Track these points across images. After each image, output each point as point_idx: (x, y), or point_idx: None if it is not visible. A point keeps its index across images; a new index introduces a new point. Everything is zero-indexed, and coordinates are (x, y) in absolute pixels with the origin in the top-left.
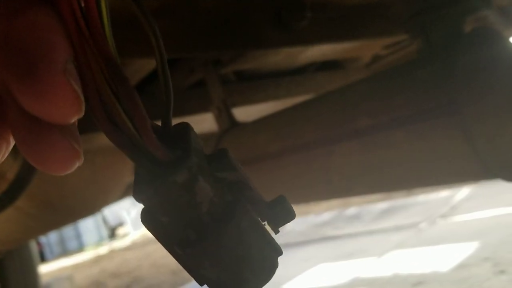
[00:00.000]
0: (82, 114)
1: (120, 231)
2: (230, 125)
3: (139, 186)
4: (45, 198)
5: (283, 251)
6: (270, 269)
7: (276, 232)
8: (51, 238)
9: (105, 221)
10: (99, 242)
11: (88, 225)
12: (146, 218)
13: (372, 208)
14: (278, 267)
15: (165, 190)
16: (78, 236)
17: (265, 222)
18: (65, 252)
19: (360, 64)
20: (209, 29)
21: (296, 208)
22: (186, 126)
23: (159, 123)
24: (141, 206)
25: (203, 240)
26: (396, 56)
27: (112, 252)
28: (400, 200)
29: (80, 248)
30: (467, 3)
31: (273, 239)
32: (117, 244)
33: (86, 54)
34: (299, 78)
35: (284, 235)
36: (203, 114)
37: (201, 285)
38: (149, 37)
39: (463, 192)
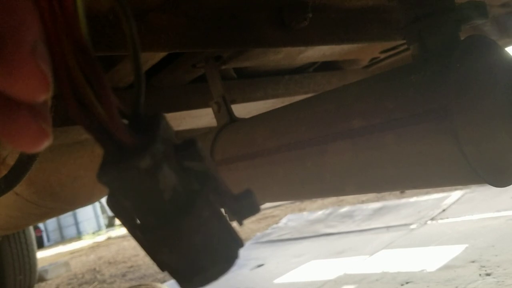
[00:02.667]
0: (49, 93)
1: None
2: (228, 121)
3: (103, 169)
4: (44, 185)
5: (276, 245)
6: (229, 259)
7: (241, 224)
8: (49, 225)
9: (103, 210)
10: (97, 231)
11: (87, 214)
12: (111, 201)
13: (365, 208)
14: (267, 263)
15: (127, 175)
16: (77, 224)
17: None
18: (63, 239)
19: (358, 66)
20: (211, 26)
21: (291, 205)
22: (158, 115)
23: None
24: None
25: (163, 227)
26: (393, 60)
27: (109, 241)
28: (392, 201)
29: (78, 236)
30: (463, 12)
31: (234, 230)
32: (115, 233)
33: (58, 36)
34: (298, 78)
35: (277, 231)
36: (204, 109)
37: (162, 270)
38: (125, 27)
39: (454, 196)
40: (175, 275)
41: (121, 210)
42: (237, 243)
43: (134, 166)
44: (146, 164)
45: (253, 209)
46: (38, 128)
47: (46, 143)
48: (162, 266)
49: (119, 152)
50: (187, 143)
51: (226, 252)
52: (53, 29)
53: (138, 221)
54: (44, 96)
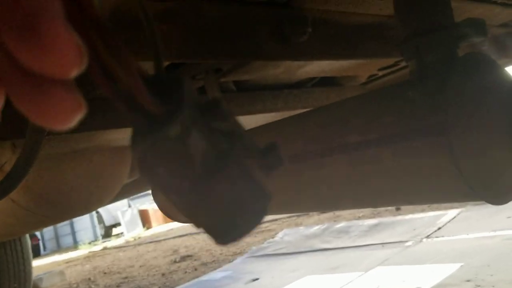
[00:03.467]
0: (84, 67)
1: (115, 231)
2: None
3: (135, 140)
4: (41, 193)
5: (272, 259)
6: (259, 214)
7: (268, 177)
8: (46, 234)
9: (100, 220)
10: (93, 241)
11: (84, 223)
12: (144, 169)
13: (360, 224)
14: (262, 278)
15: (158, 144)
16: (73, 233)
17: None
18: (59, 248)
19: (356, 83)
20: (210, 37)
21: (287, 220)
22: (180, 78)
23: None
24: (134, 208)
25: (196, 189)
26: (391, 78)
27: (105, 251)
28: (388, 218)
29: (75, 245)
30: (462, 29)
31: (262, 185)
32: (111, 243)
33: (78, 8)
34: (297, 92)
35: (273, 245)
36: None
37: (198, 228)
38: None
39: (450, 214)
40: (209, 232)
41: (154, 177)
42: (265, 197)
43: (164, 134)
44: (176, 131)
45: (279, 161)
46: (73, 100)
47: (80, 116)
48: (198, 224)
49: (147, 121)
50: (211, 103)
51: (255, 207)
52: (71, 2)
53: (172, 185)
54: (79, 69)
